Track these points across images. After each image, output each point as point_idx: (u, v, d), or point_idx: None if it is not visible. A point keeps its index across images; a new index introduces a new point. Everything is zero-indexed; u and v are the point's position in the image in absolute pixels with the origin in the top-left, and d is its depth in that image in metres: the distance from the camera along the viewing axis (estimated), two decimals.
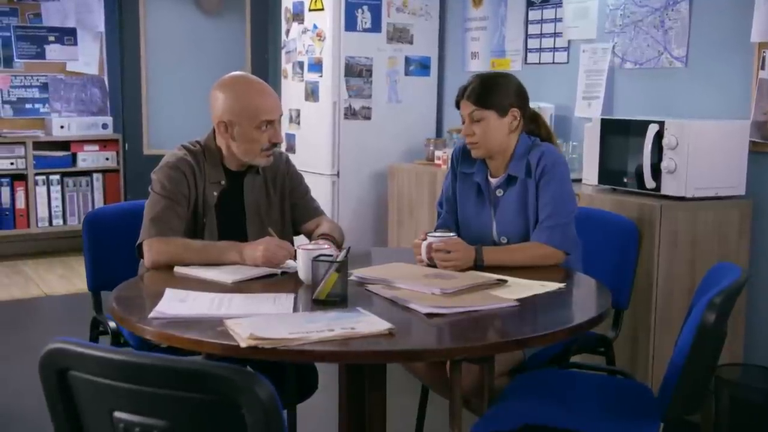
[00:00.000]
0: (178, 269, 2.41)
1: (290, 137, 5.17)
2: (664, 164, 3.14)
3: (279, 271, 2.38)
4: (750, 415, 3.08)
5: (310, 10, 4.86)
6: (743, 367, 3.31)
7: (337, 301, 2.07)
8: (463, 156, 2.75)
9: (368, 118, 4.82)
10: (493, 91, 2.60)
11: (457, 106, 2.68)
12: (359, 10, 4.72)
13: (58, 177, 6.64)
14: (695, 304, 2.07)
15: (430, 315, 1.96)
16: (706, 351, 1.91)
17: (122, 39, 5.93)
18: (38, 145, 6.57)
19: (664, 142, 3.14)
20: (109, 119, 6.78)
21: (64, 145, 6.70)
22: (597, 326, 2.70)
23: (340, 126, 4.76)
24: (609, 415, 2.16)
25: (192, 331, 1.83)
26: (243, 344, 1.73)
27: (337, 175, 4.80)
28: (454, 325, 1.95)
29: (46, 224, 6.56)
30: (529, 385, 2.37)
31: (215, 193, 2.62)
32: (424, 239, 2.50)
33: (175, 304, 2.03)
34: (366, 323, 1.86)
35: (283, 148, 5.27)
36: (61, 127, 6.67)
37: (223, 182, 2.64)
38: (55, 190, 6.65)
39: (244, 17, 6.02)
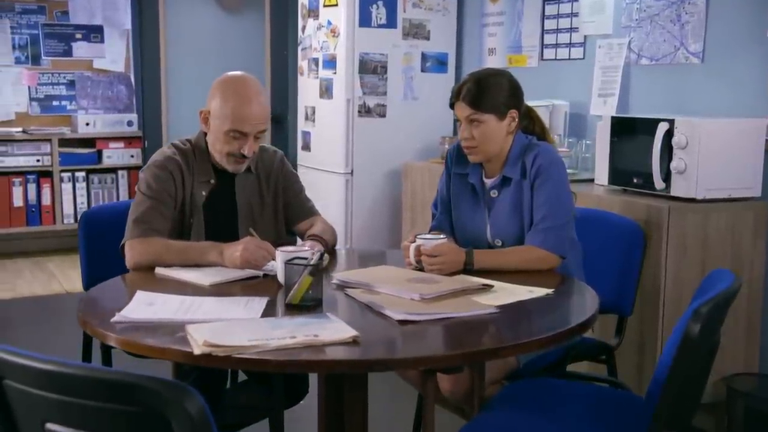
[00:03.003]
0: (159, 270, 2.37)
1: (305, 135, 5.12)
2: (673, 164, 3.02)
3: (261, 273, 2.32)
4: (766, 427, 2.95)
5: (324, 5, 4.79)
6: (759, 378, 3.17)
7: (310, 305, 2.01)
8: (457, 156, 2.66)
9: (383, 115, 4.73)
10: (489, 92, 2.49)
11: (452, 107, 2.59)
12: (374, 6, 4.63)
13: (83, 174, 6.68)
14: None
15: (402, 322, 1.89)
16: (692, 363, 1.80)
17: (143, 36, 5.94)
18: (64, 142, 6.62)
19: (674, 141, 3.01)
20: (134, 116, 6.80)
21: (89, 142, 6.74)
22: (585, 334, 2.62)
23: (353, 124, 4.68)
24: (594, 429, 2.06)
25: (151, 336, 1.79)
26: (197, 351, 1.68)
27: (351, 173, 4.72)
28: (426, 332, 1.87)
29: (72, 221, 6.60)
30: (517, 395, 2.27)
31: (204, 193, 2.57)
32: (413, 241, 2.42)
33: (142, 307, 1.98)
34: (331, 330, 1.79)
35: (298, 146, 5.23)
36: (87, 124, 6.72)
37: (212, 181, 2.59)
38: (81, 186, 6.69)
39: (264, 14, 5.98)
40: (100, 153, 6.73)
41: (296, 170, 5.23)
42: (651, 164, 3.09)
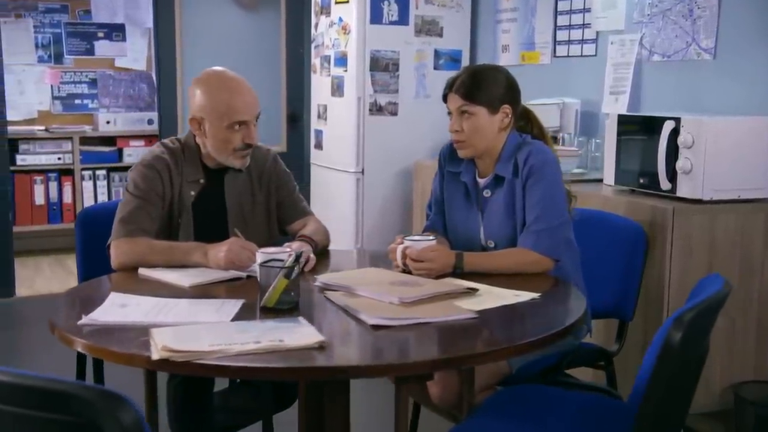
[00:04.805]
0: (142, 271, 2.34)
1: (318, 133, 5.07)
2: (679, 164, 2.92)
3: (245, 274, 2.28)
4: None
5: (336, 2, 4.73)
6: None
7: (285, 309, 1.95)
8: (450, 155, 2.60)
9: (394, 113, 4.67)
10: (483, 85, 2.43)
11: (444, 99, 2.52)
12: (385, 2, 4.56)
13: (104, 172, 6.71)
14: None
15: (376, 327, 1.83)
16: (676, 372, 1.71)
17: (159, 35, 5.95)
18: (85, 140, 6.66)
19: (680, 140, 2.91)
20: (154, 115, 6.82)
21: (110, 140, 6.78)
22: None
23: (364, 122, 4.62)
24: None
25: (117, 342, 1.74)
26: (155, 356, 1.63)
27: (362, 172, 4.66)
28: (399, 338, 1.80)
29: None
30: (504, 402, 2.20)
31: (192, 192, 2.54)
32: (401, 243, 2.36)
33: (113, 309, 1.95)
34: (298, 335, 1.74)
35: (311, 144, 5.19)
36: (107, 122, 6.75)
37: (201, 181, 2.55)
38: (101, 185, 6.73)
39: (280, 12, 5.95)
40: (120, 151, 6.76)
41: (309, 169, 5.22)
42: (657, 164, 2.99)
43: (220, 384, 2.65)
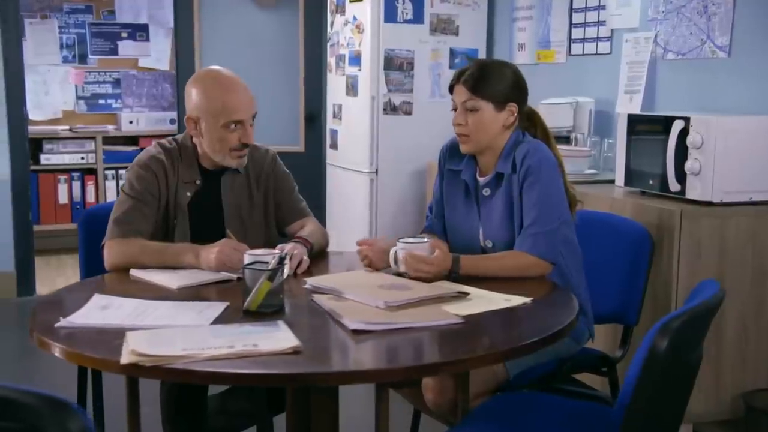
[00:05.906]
0: (133, 272, 2.33)
1: (333, 133, 5.04)
2: (687, 165, 2.83)
3: (235, 276, 2.25)
4: None
5: (350, 1, 4.70)
6: None
7: (269, 312, 1.92)
8: (450, 152, 2.56)
9: (409, 113, 4.62)
10: (491, 80, 2.39)
11: (451, 91, 2.48)
12: (400, 1, 4.52)
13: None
14: None
15: (356, 331, 1.78)
16: (662, 381, 1.65)
17: (179, 34, 5.97)
18: (108, 140, 6.69)
19: (688, 140, 2.83)
20: (176, 114, 6.84)
21: (133, 140, 6.81)
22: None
23: (378, 122, 4.58)
24: None
25: (89, 344, 1.72)
26: (124, 360, 1.60)
27: (376, 172, 4.62)
28: (378, 344, 1.76)
29: None
30: (496, 409, 2.15)
31: (188, 194, 2.51)
32: (361, 244, 2.32)
33: (94, 312, 1.92)
34: (273, 340, 1.70)
35: (327, 144, 5.16)
36: (130, 122, 6.78)
37: (198, 182, 2.53)
38: None
39: (298, 11, 5.94)
40: (142, 151, 6.78)
41: (326, 169, 5.19)
42: (665, 165, 2.91)
43: (220, 386, 2.62)
